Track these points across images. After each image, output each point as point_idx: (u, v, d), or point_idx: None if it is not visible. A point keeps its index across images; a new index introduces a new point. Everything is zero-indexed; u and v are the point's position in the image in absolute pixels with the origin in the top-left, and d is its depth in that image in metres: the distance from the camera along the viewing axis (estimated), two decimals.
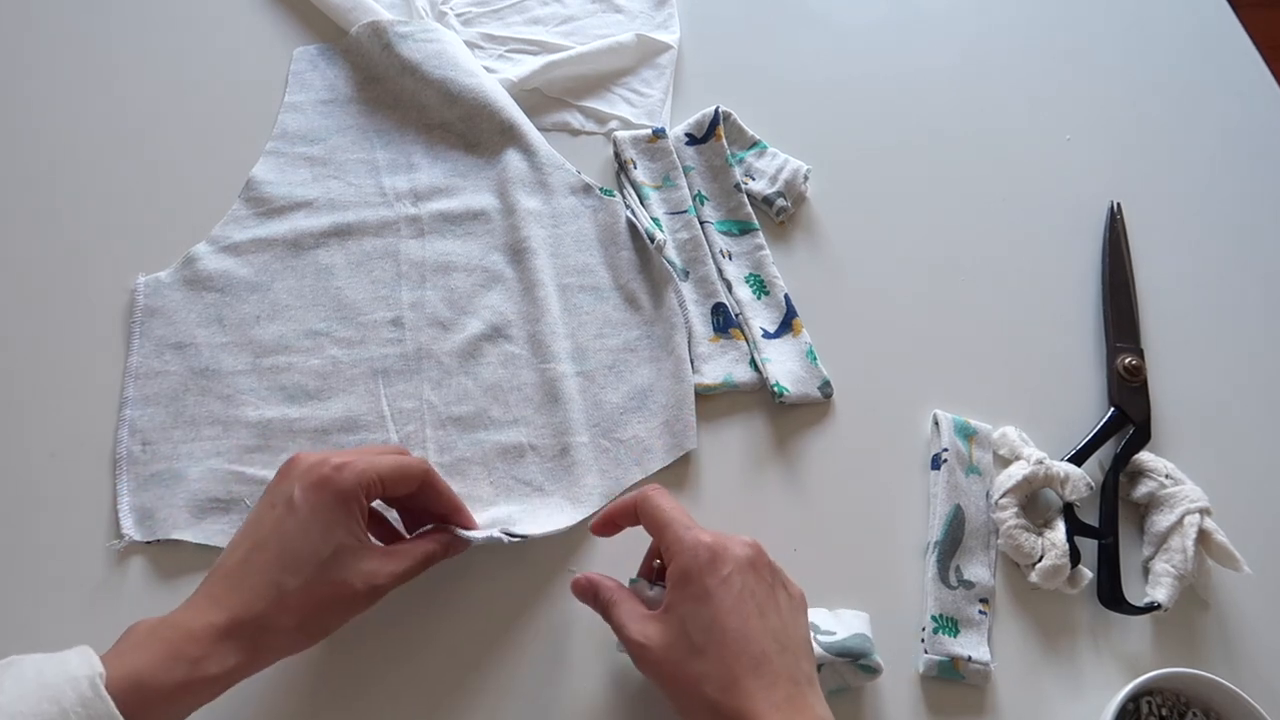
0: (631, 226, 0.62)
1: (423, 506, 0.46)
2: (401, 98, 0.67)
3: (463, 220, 0.62)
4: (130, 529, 0.50)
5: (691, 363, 0.58)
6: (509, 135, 0.64)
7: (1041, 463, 0.55)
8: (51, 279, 0.58)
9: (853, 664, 0.47)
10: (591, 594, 0.44)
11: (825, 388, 0.58)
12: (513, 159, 0.64)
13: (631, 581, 0.45)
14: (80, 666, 0.33)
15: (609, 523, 0.46)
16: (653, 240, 0.60)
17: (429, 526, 0.47)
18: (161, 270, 0.58)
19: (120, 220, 0.60)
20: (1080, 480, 0.54)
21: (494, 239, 0.61)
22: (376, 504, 0.44)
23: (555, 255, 0.61)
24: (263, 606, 0.37)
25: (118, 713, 0.32)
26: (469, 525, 0.47)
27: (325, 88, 0.67)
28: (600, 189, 0.64)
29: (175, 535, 0.49)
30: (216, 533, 0.50)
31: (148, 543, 0.49)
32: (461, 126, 0.66)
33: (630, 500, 0.45)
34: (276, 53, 0.69)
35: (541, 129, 0.67)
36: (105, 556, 0.49)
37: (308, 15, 0.71)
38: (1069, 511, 0.55)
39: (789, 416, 0.58)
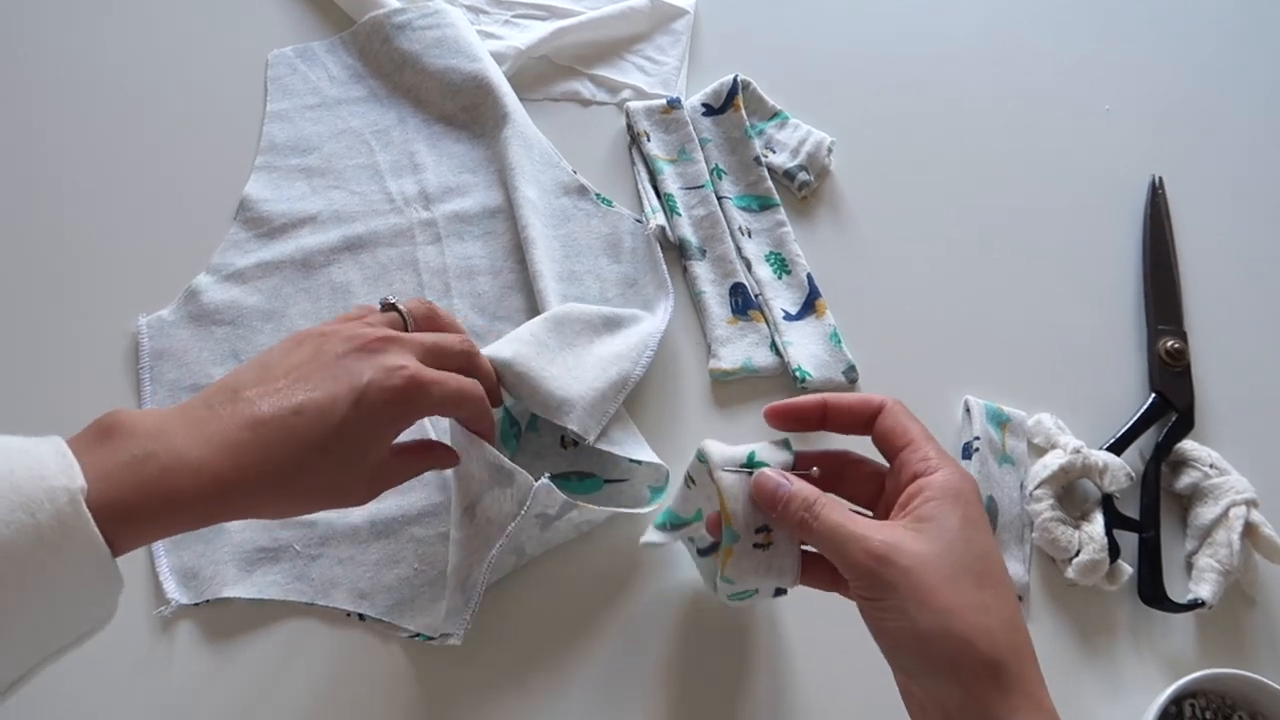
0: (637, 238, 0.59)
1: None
2: (396, 93, 0.64)
3: (480, 219, 0.59)
4: (175, 592, 0.46)
5: (708, 346, 0.56)
6: (507, 123, 0.61)
7: (1079, 452, 0.53)
8: (43, 333, 0.53)
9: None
10: (783, 494, 0.36)
11: (850, 372, 0.56)
12: (512, 147, 0.60)
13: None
14: (59, 475, 0.29)
15: (810, 414, 0.38)
16: (639, 222, 0.57)
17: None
18: (163, 308, 0.54)
19: (107, 260, 0.56)
20: (1120, 470, 0.52)
21: (514, 236, 0.58)
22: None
23: (549, 257, 0.57)
24: (268, 483, 0.33)
25: (99, 536, 0.29)
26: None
27: (309, 92, 0.63)
28: (596, 195, 0.61)
29: (226, 593, 0.46)
30: (270, 584, 0.47)
31: (195, 605, 0.46)
32: (465, 118, 0.62)
33: (874, 400, 0.38)
34: (247, 60, 0.64)
35: (550, 99, 0.65)
36: (149, 625, 0.46)
37: (271, 15, 0.66)
38: (1108, 503, 0.53)
39: None
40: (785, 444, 0.38)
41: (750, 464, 0.37)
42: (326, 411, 0.34)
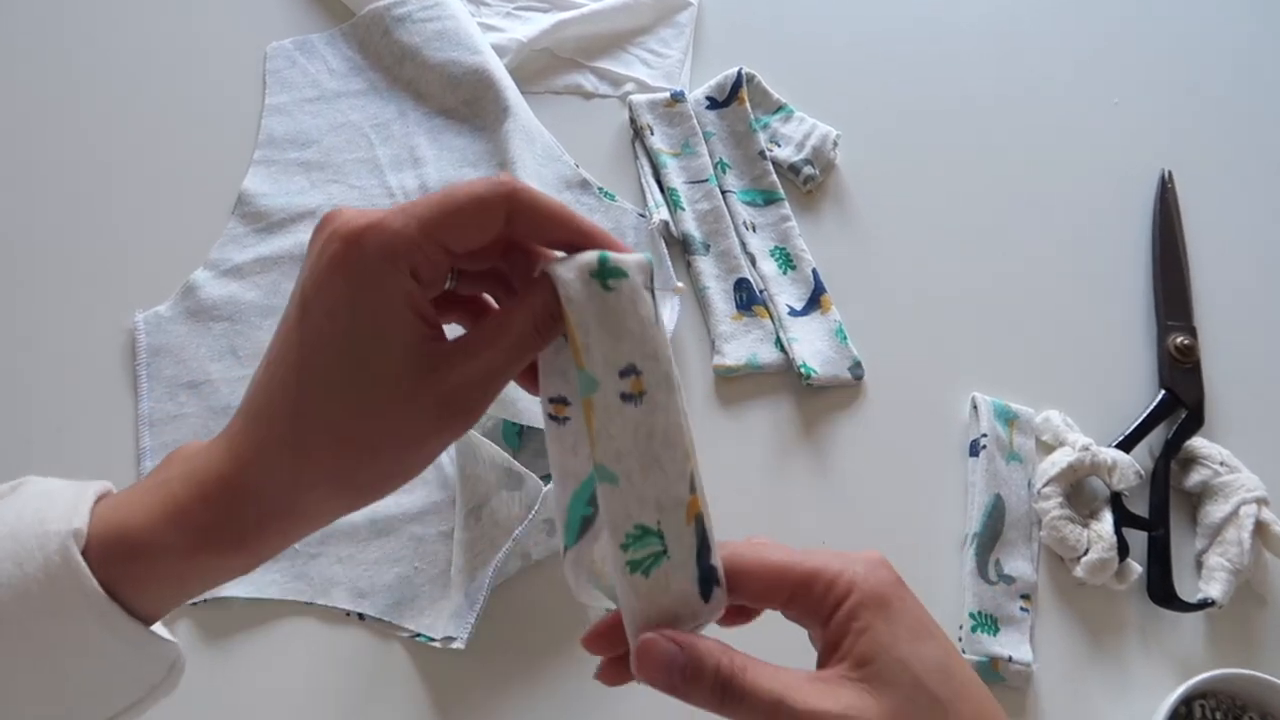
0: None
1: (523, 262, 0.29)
2: (397, 87, 0.63)
3: None
4: None
5: (712, 343, 0.56)
6: (509, 116, 0.60)
7: (1087, 449, 0.52)
8: (40, 329, 0.52)
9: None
10: (682, 665, 0.27)
11: (856, 369, 0.55)
12: (513, 140, 0.59)
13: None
14: (59, 519, 0.25)
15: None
16: (642, 217, 0.56)
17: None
18: (160, 304, 0.53)
19: (104, 255, 0.55)
20: (1129, 468, 0.52)
21: None
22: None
23: None
24: (273, 463, 0.26)
25: (94, 584, 0.24)
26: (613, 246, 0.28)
27: (308, 85, 0.63)
28: (599, 189, 0.60)
29: (224, 592, 0.45)
30: (269, 583, 0.46)
31: (194, 604, 0.45)
32: (466, 111, 0.62)
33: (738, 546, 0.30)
34: (245, 52, 0.63)
35: (552, 92, 0.64)
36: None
37: (269, 7, 0.65)
38: (1117, 501, 0.52)
39: (817, 400, 0.55)
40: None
41: (603, 271, 0.26)
42: (284, 342, 0.26)
